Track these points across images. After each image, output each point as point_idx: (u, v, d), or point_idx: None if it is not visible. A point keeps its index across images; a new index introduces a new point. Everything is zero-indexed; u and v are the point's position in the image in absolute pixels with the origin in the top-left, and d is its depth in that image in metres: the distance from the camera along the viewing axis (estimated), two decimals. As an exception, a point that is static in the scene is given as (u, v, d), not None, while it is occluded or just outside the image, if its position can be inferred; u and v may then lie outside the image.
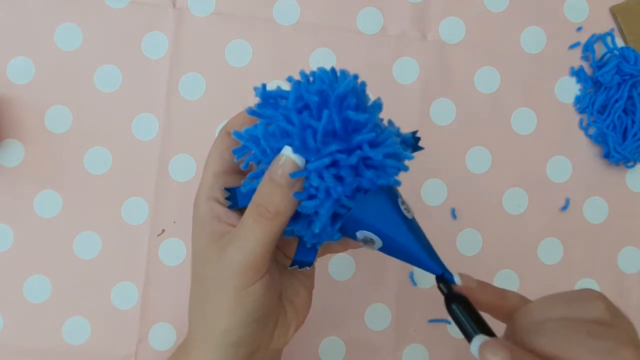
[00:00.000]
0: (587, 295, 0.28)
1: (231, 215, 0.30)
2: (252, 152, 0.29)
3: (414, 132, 0.32)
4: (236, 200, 0.30)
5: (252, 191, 0.29)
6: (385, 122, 0.31)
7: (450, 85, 0.51)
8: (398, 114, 0.50)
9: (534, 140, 0.51)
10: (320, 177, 0.27)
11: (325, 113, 0.26)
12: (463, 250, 0.50)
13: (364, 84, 0.28)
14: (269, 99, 0.28)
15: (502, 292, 0.30)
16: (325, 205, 0.27)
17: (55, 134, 0.49)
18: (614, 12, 0.51)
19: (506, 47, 0.51)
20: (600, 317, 0.26)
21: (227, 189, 0.31)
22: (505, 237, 0.50)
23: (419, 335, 0.49)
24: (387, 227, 0.28)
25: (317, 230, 0.28)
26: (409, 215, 0.29)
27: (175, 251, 0.49)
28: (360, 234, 0.29)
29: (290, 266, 0.32)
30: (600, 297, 0.28)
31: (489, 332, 0.27)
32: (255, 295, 0.28)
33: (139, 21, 0.50)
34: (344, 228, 0.29)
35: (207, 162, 0.32)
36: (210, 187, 0.31)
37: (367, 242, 0.29)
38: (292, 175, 0.26)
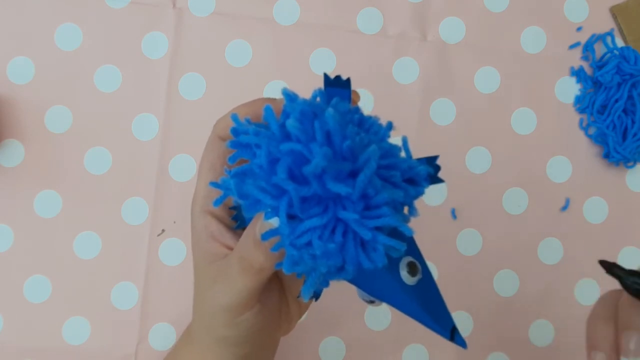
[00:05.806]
0: None
1: (225, 234, 0.29)
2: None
3: (433, 158, 0.25)
4: (243, 219, 0.29)
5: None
6: (391, 133, 0.24)
7: (450, 85, 0.51)
8: (398, 114, 0.50)
9: (534, 140, 0.51)
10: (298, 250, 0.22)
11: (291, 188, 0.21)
12: (463, 250, 0.50)
13: (356, 112, 0.23)
14: (240, 144, 0.24)
15: None
16: (311, 276, 0.24)
17: (55, 134, 0.49)
18: (614, 12, 0.51)
19: (506, 47, 0.51)
20: None
21: (233, 208, 0.29)
22: (505, 237, 0.50)
23: (419, 335, 0.49)
24: (385, 297, 0.25)
25: (306, 300, 0.24)
26: (411, 280, 0.25)
27: (175, 251, 0.49)
28: (361, 293, 0.27)
29: (298, 297, 0.30)
30: None
31: None
32: (247, 322, 0.29)
33: (139, 21, 0.50)
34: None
35: (199, 171, 0.30)
36: (204, 198, 0.30)
37: (369, 301, 0.27)
38: (263, 237, 0.23)
